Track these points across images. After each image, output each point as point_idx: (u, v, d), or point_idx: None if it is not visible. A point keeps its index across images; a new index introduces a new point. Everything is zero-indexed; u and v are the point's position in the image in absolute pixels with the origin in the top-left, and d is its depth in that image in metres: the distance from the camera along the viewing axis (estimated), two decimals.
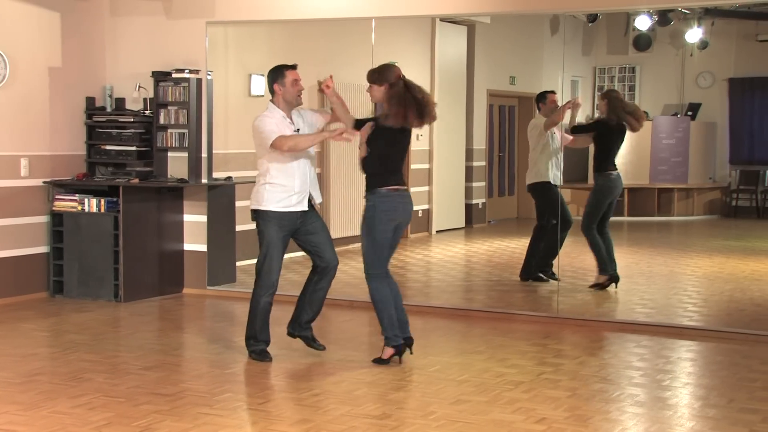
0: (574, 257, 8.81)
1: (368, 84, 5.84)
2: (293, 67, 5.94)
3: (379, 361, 5.88)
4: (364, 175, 5.83)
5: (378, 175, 5.78)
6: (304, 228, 5.96)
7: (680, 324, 7.18)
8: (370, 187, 5.80)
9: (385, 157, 5.78)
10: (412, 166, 10.54)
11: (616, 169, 8.22)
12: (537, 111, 8.62)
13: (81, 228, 8.15)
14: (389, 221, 5.79)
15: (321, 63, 9.73)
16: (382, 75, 5.77)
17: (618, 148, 8.25)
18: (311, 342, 6.13)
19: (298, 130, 5.92)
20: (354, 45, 8.96)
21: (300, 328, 6.11)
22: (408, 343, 5.95)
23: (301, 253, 6.19)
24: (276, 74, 5.90)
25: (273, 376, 5.71)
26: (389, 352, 5.88)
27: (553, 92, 8.56)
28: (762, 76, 10.98)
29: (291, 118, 5.93)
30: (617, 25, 11.21)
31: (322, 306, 6.14)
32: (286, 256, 6.01)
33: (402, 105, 5.66)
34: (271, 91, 5.93)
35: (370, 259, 5.84)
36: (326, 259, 6.00)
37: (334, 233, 9.79)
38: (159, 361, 6.00)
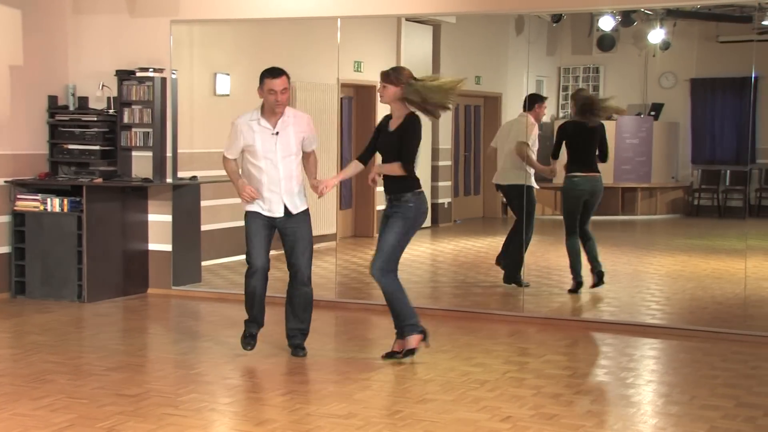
0: (539, 256, 8.86)
1: (382, 84, 5.86)
2: (276, 75, 5.86)
3: (411, 353, 5.92)
4: (401, 175, 5.84)
5: (416, 177, 5.91)
6: (283, 228, 6.08)
7: (644, 322, 7.26)
8: (412, 188, 5.87)
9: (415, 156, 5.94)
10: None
11: (587, 171, 8.10)
12: (523, 110, 8.57)
13: (43, 228, 8.07)
14: (422, 223, 5.98)
15: (287, 62, 9.65)
16: (400, 75, 5.85)
17: (584, 149, 8.16)
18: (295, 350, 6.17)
19: (277, 133, 5.91)
20: (319, 44, 8.95)
21: (288, 337, 6.22)
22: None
23: (274, 251, 6.22)
24: (260, 78, 5.91)
25: (238, 377, 5.69)
26: (417, 339, 5.92)
27: (545, 98, 8.66)
28: (723, 77, 11.10)
29: (275, 122, 5.91)
30: (581, 25, 11.28)
31: (307, 314, 6.17)
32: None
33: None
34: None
35: (391, 256, 5.90)
36: (292, 264, 6.08)
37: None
38: (123, 362, 5.95)
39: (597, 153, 8.21)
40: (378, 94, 5.93)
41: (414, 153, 5.86)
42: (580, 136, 8.14)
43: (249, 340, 6.12)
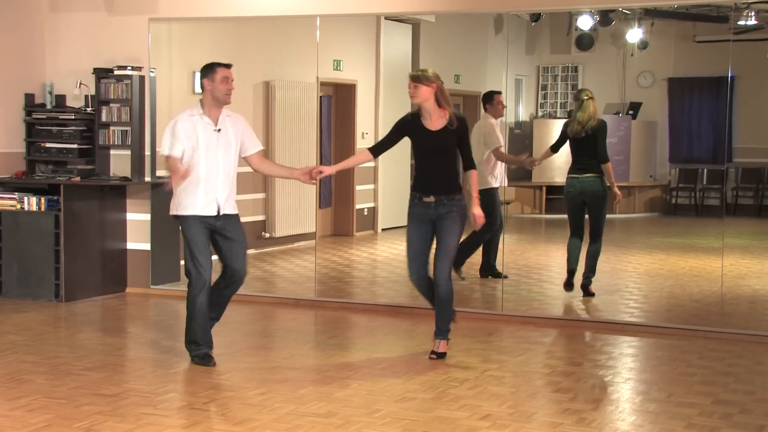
0: (519, 255, 8.89)
1: (414, 84, 5.91)
2: (226, 65, 5.83)
3: (442, 356, 6.02)
4: (455, 176, 5.97)
5: (459, 175, 6.00)
6: (222, 230, 5.83)
7: (622, 320, 7.30)
8: (459, 189, 5.97)
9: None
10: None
11: (579, 172, 7.92)
12: (483, 111, 8.58)
13: (20, 227, 8.01)
14: None
15: (266, 61, 9.70)
16: (431, 76, 5.91)
17: (580, 150, 7.97)
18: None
19: (219, 130, 5.79)
20: (299, 43, 8.94)
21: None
22: None
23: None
24: (207, 70, 5.80)
25: (217, 376, 5.67)
26: (445, 343, 6.07)
27: (499, 92, 8.54)
28: (700, 77, 11.18)
29: (216, 119, 5.80)
30: (560, 24, 11.32)
31: (224, 311, 6.06)
32: (216, 257, 5.93)
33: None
34: (201, 87, 5.83)
35: (453, 259, 5.96)
36: (234, 268, 5.86)
37: (282, 232, 9.79)
38: (101, 362, 5.92)
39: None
40: (409, 95, 5.99)
41: (456, 155, 6.01)
42: (575, 139, 7.94)
43: (209, 358, 5.84)
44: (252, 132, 6.02)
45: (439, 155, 5.93)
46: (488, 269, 8.45)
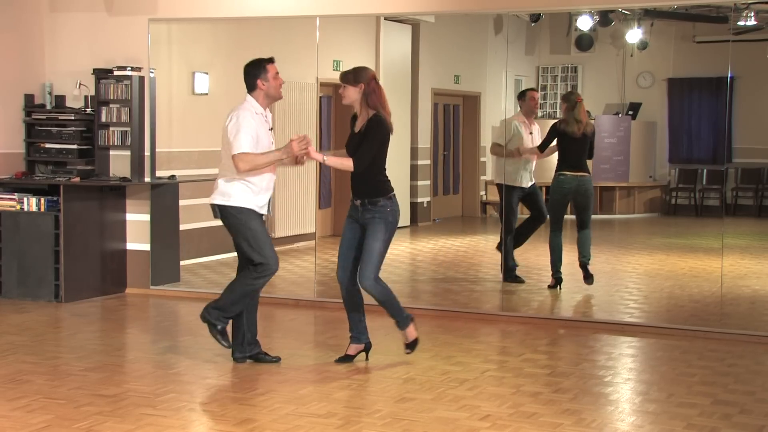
0: (519, 255, 8.88)
1: (342, 85, 5.72)
2: (271, 60, 5.80)
3: (416, 343, 5.97)
4: (370, 179, 5.71)
5: (387, 180, 5.78)
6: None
7: (622, 321, 7.30)
8: (385, 192, 5.75)
9: (384, 159, 5.77)
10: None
11: (574, 170, 8.07)
12: (518, 109, 8.66)
13: (20, 227, 8.01)
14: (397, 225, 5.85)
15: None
16: (358, 75, 5.69)
17: (576, 149, 8.09)
18: (264, 356, 5.97)
19: (272, 129, 5.82)
20: (298, 43, 8.94)
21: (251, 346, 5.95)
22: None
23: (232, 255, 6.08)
24: (257, 69, 5.74)
25: (217, 376, 5.67)
26: (413, 327, 5.96)
27: (533, 89, 8.73)
28: (699, 77, 11.19)
29: (268, 115, 5.81)
30: (560, 25, 11.33)
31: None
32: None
33: (385, 102, 5.72)
34: (253, 86, 5.73)
35: (379, 263, 5.75)
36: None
37: (282, 232, 9.79)
38: (101, 362, 5.92)
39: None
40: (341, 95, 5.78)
41: (369, 156, 5.65)
42: (570, 138, 8.13)
43: (226, 335, 5.86)
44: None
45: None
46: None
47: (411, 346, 5.97)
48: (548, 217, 8.40)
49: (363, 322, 5.97)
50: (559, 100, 11.58)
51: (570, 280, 8.34)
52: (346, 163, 5.69)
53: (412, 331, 5.94)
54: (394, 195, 5.81)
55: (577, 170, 8.12)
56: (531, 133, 8.52)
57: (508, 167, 8.35)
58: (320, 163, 5.84)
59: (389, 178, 5.82)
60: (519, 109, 8.63)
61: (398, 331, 6.01)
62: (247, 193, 5.69)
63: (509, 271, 8.38)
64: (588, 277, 8.20)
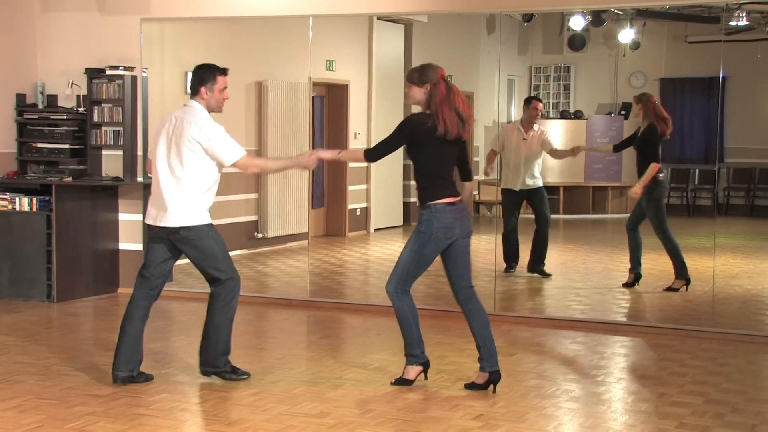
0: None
1: (407, 84, 5.31)
2: (224, 71, 5.37)
3: (402, 382, 5.41)
4: (418, 188, 5.36)
5: (427, 187, 5.31)
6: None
7: (614, 320, 7.31)
8: (423, 200, 5.32)
9: (437, 166, 5.30)
10: (351, 165, 10.54)
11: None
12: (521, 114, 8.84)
13: (12, 227, 7.99)
14: (445, 240, 5.32)
15: (258, 61, 9.68)
16: (424, 74, 5.26)
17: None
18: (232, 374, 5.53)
19: None
20: (291, 43, 8.94)
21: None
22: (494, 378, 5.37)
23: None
24: (207, 76, 5.30)
25: (209, 376, 5.65)
26: (416, 371, 5.43)
27: (539, 99, 8.99)
28: (691, 77, 11.20)
29: None
30: (552, 25, 11.34)
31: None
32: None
33: (450, 108, 5.20)
34: (195, 91, 5.32)
35: (406, 275, 5.35)
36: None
37: (275, 232, 9.78)
38: (93, 362, 5.91)
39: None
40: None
41: (380, 149, 5.34)
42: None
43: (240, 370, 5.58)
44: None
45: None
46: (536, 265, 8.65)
47: (399, 382, 5.43)
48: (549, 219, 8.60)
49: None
50: (551, 100, 11.58)
51: (561, 279, 8.36)
52: (358, 155, 5.53)
53: (410, 372, 5.43)
54: (435, 204, 5.27)
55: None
56: (525, 138, 8.62)
57: (505, 169, 8.52)
58: (321, 162, 5.68)
59: (435, 185, 5.31)
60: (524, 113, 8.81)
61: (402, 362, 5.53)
62: (203, 208, 5.31)
63: (536, 265, 8.57)
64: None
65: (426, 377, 5.49)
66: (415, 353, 5.42)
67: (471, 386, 5.38)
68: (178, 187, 5.24)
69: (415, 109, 5.44)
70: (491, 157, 8.79)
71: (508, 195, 8.67)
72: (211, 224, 5.34)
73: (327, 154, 5.64)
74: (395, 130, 5.33)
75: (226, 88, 5.37)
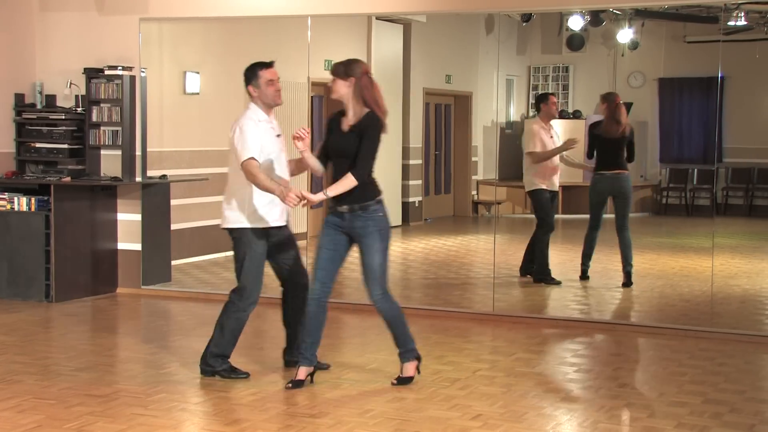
0: (510, 255, 8.90)
1: (332, 78, 5.27)
2: (269, 64, 5.50)
3: (404, 381, 5.39)
4: (359, 183, 5.17)
5: (373, 182, 5.29)
6: (284, 238, 5.62)
7: (613, 320, 7.31)
8: (376, 195, 5.26)
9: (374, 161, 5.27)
10: None
11: (609, 169, 8.21)
12: (536, 113, 8.67)
13: (10, 227, 7.98)
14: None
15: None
16: (349, 68, 5.25)
17: (609, 151, 8.22)
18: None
19: (279, 135, 5.56)
20: (290, 43, 8.93)
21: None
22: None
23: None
24: (249, 75, 5.46)
25: (208, 376, 5.65)
26: (414, 365, 5.44)
27: (553, 94, 8.77)
28: (690, 77, 11.20)
29: (273, 122, 5.54)
30: (551, 25, 11.34)
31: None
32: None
33: (379, 98, 5.20)
34: (248, 93, 5.49)
35: (384, 276, 5.31)
36: (301, 281, 5.67)
37: None
38: (92, 362, 5.91)
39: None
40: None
41: (371, 161, 5.19)
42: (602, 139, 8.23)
43: (238, 370, 5.61)
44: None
45: (341, 160, 5.23)
46: (539, 272, 8.44)
47: (402, 381, 5.39)
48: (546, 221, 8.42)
49: (317, 345, 5.42)
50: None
51: (561, 278, 8.36)
52: (348, 183, 5.16)
53: (411, 369, 5.42)
54: (380, 197, 5.31)
55: (614, 168, 8.19)
56: (552, 136, 8.51)
57: (533, 172, 8.37)
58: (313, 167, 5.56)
59: (374, 180, 5.32)
60: (537, 112, 8.65)
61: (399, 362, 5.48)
62: (250, 210, 5.40)
63: (542, 272, 8.42)
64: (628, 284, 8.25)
65: (419, 372, 5.48)
66: (411, 346, 5.44)
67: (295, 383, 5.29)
68: (227, 190, 5.55)
69: (337, 105, 5.36)
70: (569, 145, 8.39)
71: (547, 196, 8.36)
72: (257, 229, 5.45)
73: (315, 198, 5.21)
74: (375, 133, 5.19)
75: (272, 79, 5.47)
